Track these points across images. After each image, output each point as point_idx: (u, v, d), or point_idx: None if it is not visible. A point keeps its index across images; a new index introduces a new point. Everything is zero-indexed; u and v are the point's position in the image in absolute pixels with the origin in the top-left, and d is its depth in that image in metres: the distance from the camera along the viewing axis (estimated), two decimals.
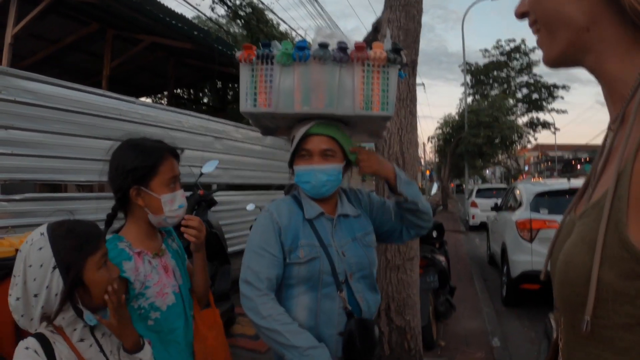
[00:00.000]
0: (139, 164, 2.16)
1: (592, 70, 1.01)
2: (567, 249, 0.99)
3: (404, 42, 4.23)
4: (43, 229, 1.79)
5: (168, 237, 2.41)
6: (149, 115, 7.31)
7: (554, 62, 1.06)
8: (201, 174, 6.17)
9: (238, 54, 2.36)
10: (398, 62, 2.27)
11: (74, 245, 1.76)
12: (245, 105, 2.39)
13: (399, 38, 4.23)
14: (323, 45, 2.27)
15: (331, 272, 2.31)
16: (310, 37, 2.45)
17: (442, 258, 6.46)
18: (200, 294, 2.44)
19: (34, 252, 1.73)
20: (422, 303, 5.46)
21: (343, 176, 2.46)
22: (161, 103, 16.11)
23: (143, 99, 16.73)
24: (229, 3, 11.94)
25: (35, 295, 1.71)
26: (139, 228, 2.25)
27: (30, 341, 1.71)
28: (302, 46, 2.28)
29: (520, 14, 1.11)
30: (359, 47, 2.26)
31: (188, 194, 6.06)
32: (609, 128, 1.01)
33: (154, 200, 2.17)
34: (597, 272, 0.85)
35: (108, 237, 2.16)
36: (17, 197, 5.33)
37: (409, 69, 4.26)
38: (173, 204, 2.20)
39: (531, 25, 1.09)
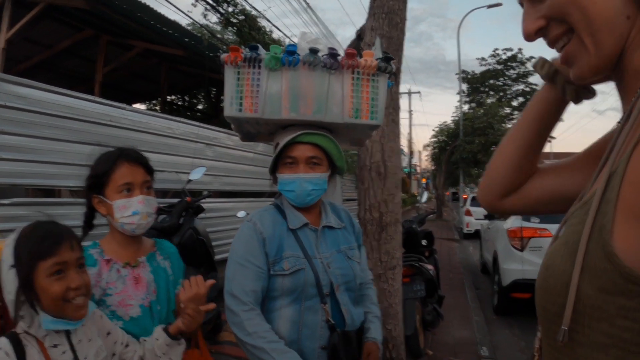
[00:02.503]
0: (94, 173, 2.18)
1: (619, 67, 0.91)
2: (550, 252, 0.94)
3: (386, 50, 4.21)
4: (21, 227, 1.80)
5: (161, 252, 2.38)
6: (140, 121, 7.27)
7: (597, 69, 0.93)
8: (189, 181, 6.16)
9: (223, 56, 2.32)
10: (388, 71, 2.28)
11: (29, 247, 1.73)
12: (230, 109, 2.35)
13: (382, 46, 4.22)
14: (313, 51, 2.25)
15: (315, 284, 2.27)
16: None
17: (430, 267, 6.43)
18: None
19: (4, 248, 1.75)
20: (408, 312, 5.47)
21: (328, 184, 2.42)
22: (155, 109, 16.09)
23: (137, 105, 16.73)
24: (221, 10, 11.93)
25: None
26: (112, 236, 2.26)
27: (2, 341, 1.69)
28: (292, 50, 2.25)
29: (536, 31, 0.99)
30: (349, 54, 2.26)
31: (175, 200, 6.07)
32: (618, 123, 0.93)
33: (109, 207, 2.17)
34: (577, 282, 0.79)
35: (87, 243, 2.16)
36: (5, 201, 5.30)
37: (392, 78, 4.26)
38: (125, 210, 2.15)
39: (557, 38, 0.97)
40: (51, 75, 12.39)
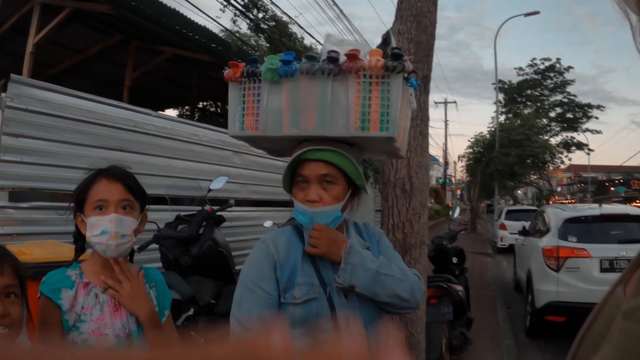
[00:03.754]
0: (76, 189, 2.09)
1: None
2: (605, 354, 0.68)
3: (415, 56, 3.92)
4: None
5: (146, 280, 2.21)
6: (164, 127, 7.19)
7: None
8: (209, 190, 6.02)
9: (225, 73, 2.16)
10: (399, 70, 1.96)
11: None
12: (233, 128, 2.19)
13: (409, 51, 3.93)
14: (310, 57, 2.03)
15: (330, 317, 2.03)
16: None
17: (459, 287, 6.15)
18: None
19: None
20: (434, 336, 5.19)
21: (348, 205, 2.16)
22: (186, 115, 16.08)
23: (169, 111, 16.76)
24: (251, 16, 11.82)
25: None
26: (93, 258, 2.12)
27: None
28: (288, 60, 2.03)
29: None
30: (351, 56, 1.97)
31: (197, 209, 5.93)
32: None
33: (86, 225, 2.04)
34: None
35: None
36: (24, 204, 5.28)
37: (421, 86, 3.98)
38: (95, 229, 2.00)
39: None
40: (82, 80, 12.47)
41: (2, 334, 1.65)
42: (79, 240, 2.16)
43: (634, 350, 0.62)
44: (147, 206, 2.22)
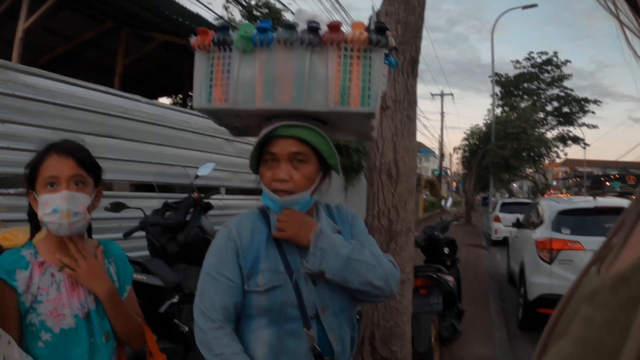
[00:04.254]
0: (27, 166, 2.00)
1: None
2: (562, 349, 0.55)
3: (402, 37, 3.85)
4: None
5: (105, 255, 2.13)
6: (155, 114, 7.13)
7: None
8: (197, 177, 5.96)
9: (192, 41, 2.03)
10: (382, 44, 1.87)
11: None
12: (199, 100, 2.04)
13: (397, 32, 3.83)
14: (289, 26, 1.91)
15: (297, 305, 1.93)
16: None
17: (450, 278, 6.08)
18: (120, 337, 2.12)
19: None
20: (423, 327, 5.13)
21: (320, 185, 2.05)
22: (179, 104, 16.00)
23: (163, 99, 16.66)
24: (243, 3, 11.71)
25: None
26: (48, 236, 2.04)
27: None
28: (264, 27, 1.92)
29: None
30: (332, 27, 1.87)
31: (184, 196, 5.87)
32: None
33: (37, 203, 1.95)
34: None
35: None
36: (11, 191, 5.24)
37: (408, 68, 3.87)
38: (46, 207, 1.91)
39: None
40: (73, 67, 12.33)
41: None
42: (33, 219, 2.06)
43: (592, 343, 0.49)
44: (102, 180, 2.13)
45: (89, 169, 2.02)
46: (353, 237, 2.14)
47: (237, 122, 2.25)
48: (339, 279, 1.95)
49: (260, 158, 2.02)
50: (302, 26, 1.92)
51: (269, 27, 1.93)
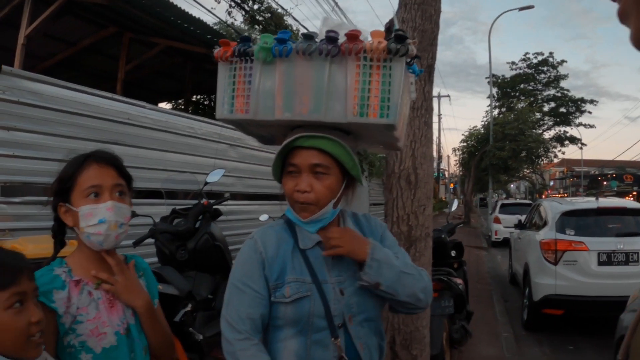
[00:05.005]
0: (60, 177, 1.91)
1: None
2: None
3: (419, 45, 3.83)
4: None
5: (135, 269, 2.06)
6: (159, 120, 7.12)
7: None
8: (206, 183, 5.94)
9: (215, 52, 2.04)
10: (402, 53, 1.82)
11: None
12: (221, 110, 2.07)
13: (414, 40, 3.86)
14: (307, 37, 1.91)
15: (324, 315, 1.92)
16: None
17: (459, 281, 6.09)
18: (155, 351, 2.06)
19: None
20: (435, 330, 5.12)
21: (343, 196, 2.04)
22: (180, 109, 16.00)
23: (163, 104, 16.64)
24: (246, 8, 11.73)
25: None
26: (81, 252, 1.94)
27: None
28: (283, 38, 1.91)
29: None
30: (351, 36, 1.83)
31: (193, 202, 5.86)
32: None
33: (76, 215, 1.86)
34: None
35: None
36: (16, 199, 5.20)
37: (425, 75, 3.88)
38: (91, 218, 1.83)
39: None
40: (75, 73, 12.33)
41: (40, 340, 1.56)
42: (60, 235, 2.00)
43: None
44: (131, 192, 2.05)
45: (126, 179, 1.98)
46: (383, 243, 2.13)
47: (262, 131, 2.26)
48: (390, 290, 1.94)
49: (283, 168, 2.03)
50: (324, 32, 1.91)
51: (288, 37, 1.93)
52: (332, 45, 1.85)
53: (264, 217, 6.87)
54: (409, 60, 1.90)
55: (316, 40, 1.91)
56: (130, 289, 1.93)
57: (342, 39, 1.87)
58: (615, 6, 0.69)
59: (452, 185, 65.98)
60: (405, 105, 2.08)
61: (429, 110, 4.07)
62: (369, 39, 1.87)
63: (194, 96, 17.24)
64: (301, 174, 1.95)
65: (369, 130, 2.01)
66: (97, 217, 1.83)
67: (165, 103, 17.22)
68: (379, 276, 1.91)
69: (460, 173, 46.74)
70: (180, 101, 17.73)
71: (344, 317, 1.96)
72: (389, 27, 2.35)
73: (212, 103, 18.50)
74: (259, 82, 1.97)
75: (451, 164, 67.06)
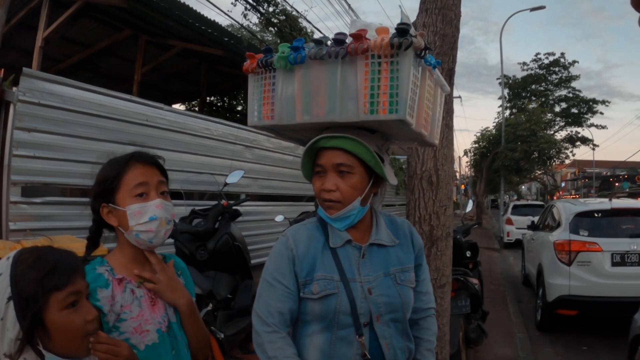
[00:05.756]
0: (102, 178, 1.92)
1: None
2: None
3: (440, 49, 3.91)
4: (13, 252, 1.54)
5: (174, 268, 2.09)
6: (177, 121, 7.18)
7: None
8: (225, 184, 5.99)
9: (244, 65, 2.14)
10: (406, 46, 1.80)
11: (37, 277, 1.47)
12: (252, 118, 2.19)
13: (435, 44, 3.88)
14: (317, 42, 1.96)
15: (350, 313, 1.98)
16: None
17: (475, 281, 6.12)
18: (193, 349, 2.08)
19: None
20: (452, 329, 5.16)
21: (371, 194, 2.09)
22: (194, 110, 16.08)
23: (176, 105, 16.72)
24: (261, 10, 11.79)
25: None
26: (122, 251, 1.97)
27: None
28: (297, 46, 1.98)
29: None
30: (356, 36, 1.88)
31: (212, 203, 5.92)
32: None
33: (122, 214, 1.88)
34: None
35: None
36: (37, 200, 5.26)
37: (446, 79, 3.92)
38: (141, 216, 1.86)
39: None
40: (90, 75, 12.44)
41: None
42: (96, 235, 2.01)
43: None
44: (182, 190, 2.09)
45: (167, 178, 2.01)
46: (418, 261, 2.25)
47: (298, 135, 2.35)
48: None
49: (313, 169, 2.11)
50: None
51: (302, 44, 1.99)
52: (339, 47, 1.90)
53: (279, 218, 6.90)
54: (418, 52, 1.90)
55: (327, 44, 1.97)
56: (172, 288, 1.96)
57: (349, 39, 1.92)
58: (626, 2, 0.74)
59: (463, 187, 65.76)
60: (425, 99, 2.10)
61: (450, 112, 4.10)
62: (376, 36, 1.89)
63: (209, 97, 17.32)
64: (327, 174, 2.02)
65: (389, 126, 2.04)
66: (148, 215, 1.87)
67: (179, 104, 17.30)
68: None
69: (472, 174, 46.61)
70: (194, 102, 17.83)
71: (371, 315, 2.01)
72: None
73: (225, 104, 18.57)
74: (281, 89, 2.07)
75: (462, 165, 66.94)
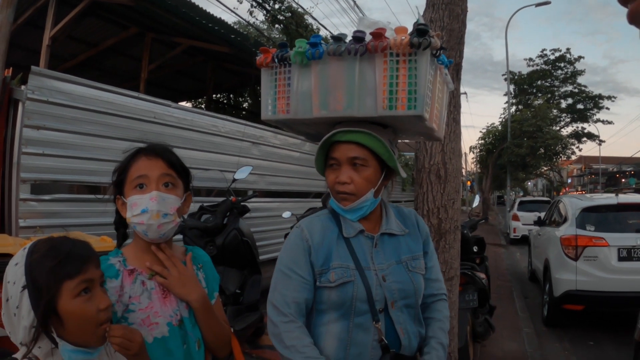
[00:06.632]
0: (115, 170, 1.95)
1: None
2: None
3: (447, 44, 3.93)
4: (29, 243, 1.57)
5: (194, 261, 2.06)
6: (184, 119, 7.23)
7: None
8: (234, 180, 6.03)
9: (257, 59, 2.18)
10: (425, 46, 1.89)
11: (50, 266, 1.50)
12: (265, 112, 2.22)
13: (442, 39, 3.92)
14: (336, 38, 2.02)
15: (366, 299, 2.03)
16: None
17: (482, 275, 6.14)
18: (209, 345, 2.06)
19: (12, 267, 1.53)
20: (460, 323, 5.19)
21: (382, 187, 2.16)
22: (200, 107, 16.13)
23: (183, 103, 16.81)
24: (267, 7, 11.83)
25: (15, 315, 1.50)
26: (136, 243, 1.97)
27: None
28: (315, 42, 2.03)
29: None
30: (376, 35, 1.93)
31: (220, 200, 5.96)
32: None
33: (126, 206, 1.90)
34: None
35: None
36: (46, 197, 5.31)
37: (453, 73, 3.94)
38: (136, 208, 1.85)
39: None
40: (97, 73, 12.48)
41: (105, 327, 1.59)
42: (120, 227, 2.01)
43: None
44: (191, 186, 2.05)
45: (178, 170, 1.96)
46: (425, 249, 2.29)
47: (308, 129, 2.40)
48: None
49: (326, 162, 2.15)
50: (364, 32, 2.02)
51: (319, 41, 2.04)
52: (359, 45, 1.96)
53: (286, 214, 6.94)
54: (434, 52, 1.99)
55: (345, 41, 2.02)
56: (184, 283, 1.93)
57: (368, 38, 1.97)
58: None
59: (469, 183, 65.67)
60: (439, 96, 2.20)
61: (457, 107, 4.14)
62: (394, 35, 1.96)
63: (215, 95, 17.36)
64: (341, 167, 2.07)
65: (402, 121, 2.11)
66: (140, 207, 1.85)
67: (185, 102, 17.35)
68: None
69: (478, 171, 46.52)
70: (200, 100, 17.88)
71: (386, 302, 2.07)
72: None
73: (232, 102, 18.61)
74: (297, 83, 2.11)
75: (468, 161, 66.82)
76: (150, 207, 1.85)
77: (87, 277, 1.55)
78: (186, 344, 1.93)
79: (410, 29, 1.95)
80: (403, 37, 1.90)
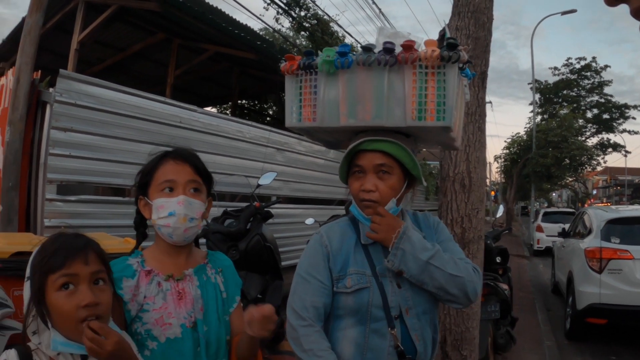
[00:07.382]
0: (140, 172, 2.02)
1: None
2: None
3: (473, 52, 3.95)
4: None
5: (213, 265, 2.12)
6: (210, 124, 7.29)
7: None
8: (258, 186, 6.07)
9: (282, 66, 2.20)
10: (454, 60, 1.95)
11: (38, 259, 1.60)
12: (290, 119, 2.25)
13: (468, 47, 3.93)
14: (366, 49, 2.05)
15: (382, 306, 2.06)
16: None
17: (505, 286, 6.11)
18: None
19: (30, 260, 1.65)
20: (481, 334, 5.16)
21: (404, 195, 2.18)
22: (225, 113, 16.22)
23: (208, 108, 16.94)
24: (293, 14, 11.90)
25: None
26: (157, 244, 2.04)
27: (10, 353, 1.58)
28: (344, 51, 2.05)
29: None
30: (406, 47, 1.97)
31: (244, 205, 5.99)
32: None
33: (151, 208, 1.97)
34: None
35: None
36: (72, 198, 5.38)
37: (479, 82, 3.95)
38: (162, 211, 1.92)
39: None
40: (123, 78, 12.56)
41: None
42: (140, 227, 2.09)
43: None
44: (213, 191, 2.11)
45: (203, 176, 2.04)
46: (439, 238, 2.27)
47: (328, 137, 2.43)
48: (415, 281, 2.06)
49: (349, 170, 2.18)
50: (381, 41, 2.07)
51: (348, 50, 2.07)
52: (389, 56, 1.99)
53: (309, 221, 6.95)
54: (461, 65, 2.03)
55: (374, 51, 2.04)
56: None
57: (397, 48, 2.00)
58: None
59: (492, 193, 65.25)
60: (460, 107, 2.24)
61: (482, 115, 4.14)
62: (422, 47, 2.00)
63: (240, 101, 17.46)
64: (366, 175, 2.10)
65: (427, 132, 2.15)
66: (168, 210, 1.91)
67: (210, 107, 17.47)
68: (402, 264, 2.04)
69: (502, 181, 46.19)
70: (225, 106, 17.98)
71: (401, 308, 2.09)
72: (442, 34, 2.47)
73: (257, 108, 18.70)
74: (324, 92, 2.13)
75: (492, 171, 66.43)
76: (177, 210, 1.91)
77: (69, 272, 1.59)
78: (199, 346, 1.96)
79: (433, 37, 1.98)
80: (434, 50, 1.94)
